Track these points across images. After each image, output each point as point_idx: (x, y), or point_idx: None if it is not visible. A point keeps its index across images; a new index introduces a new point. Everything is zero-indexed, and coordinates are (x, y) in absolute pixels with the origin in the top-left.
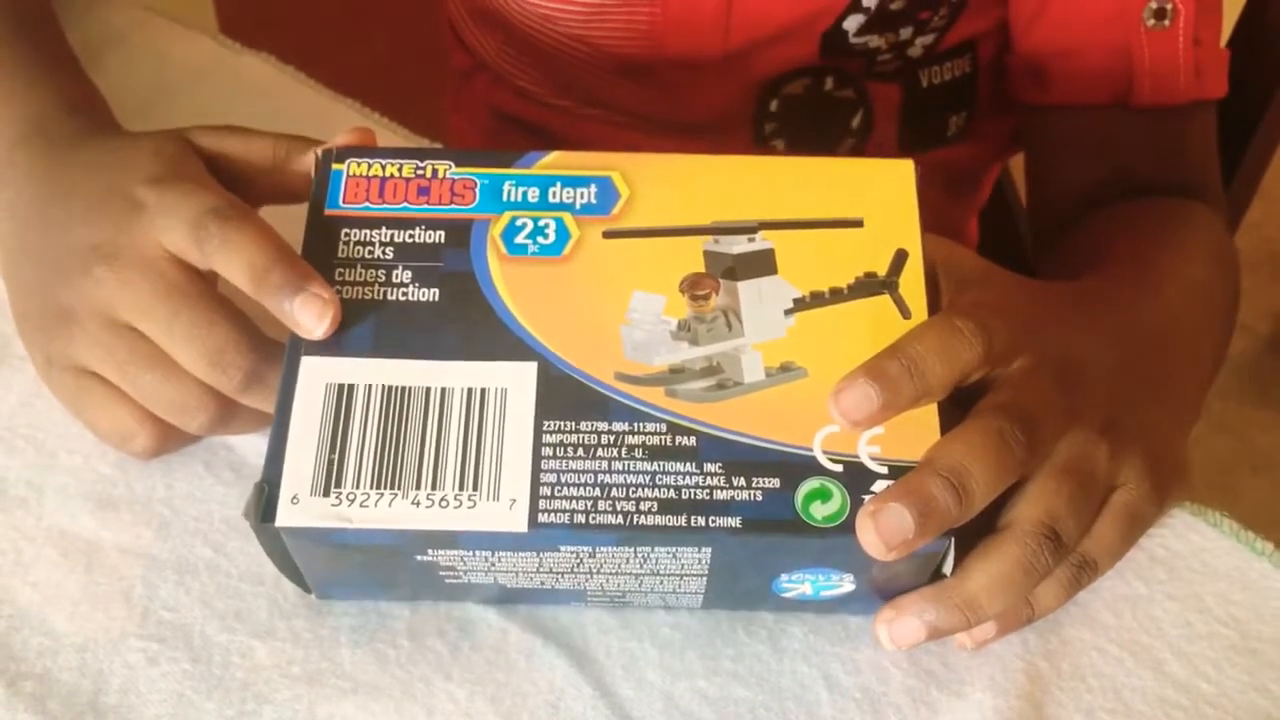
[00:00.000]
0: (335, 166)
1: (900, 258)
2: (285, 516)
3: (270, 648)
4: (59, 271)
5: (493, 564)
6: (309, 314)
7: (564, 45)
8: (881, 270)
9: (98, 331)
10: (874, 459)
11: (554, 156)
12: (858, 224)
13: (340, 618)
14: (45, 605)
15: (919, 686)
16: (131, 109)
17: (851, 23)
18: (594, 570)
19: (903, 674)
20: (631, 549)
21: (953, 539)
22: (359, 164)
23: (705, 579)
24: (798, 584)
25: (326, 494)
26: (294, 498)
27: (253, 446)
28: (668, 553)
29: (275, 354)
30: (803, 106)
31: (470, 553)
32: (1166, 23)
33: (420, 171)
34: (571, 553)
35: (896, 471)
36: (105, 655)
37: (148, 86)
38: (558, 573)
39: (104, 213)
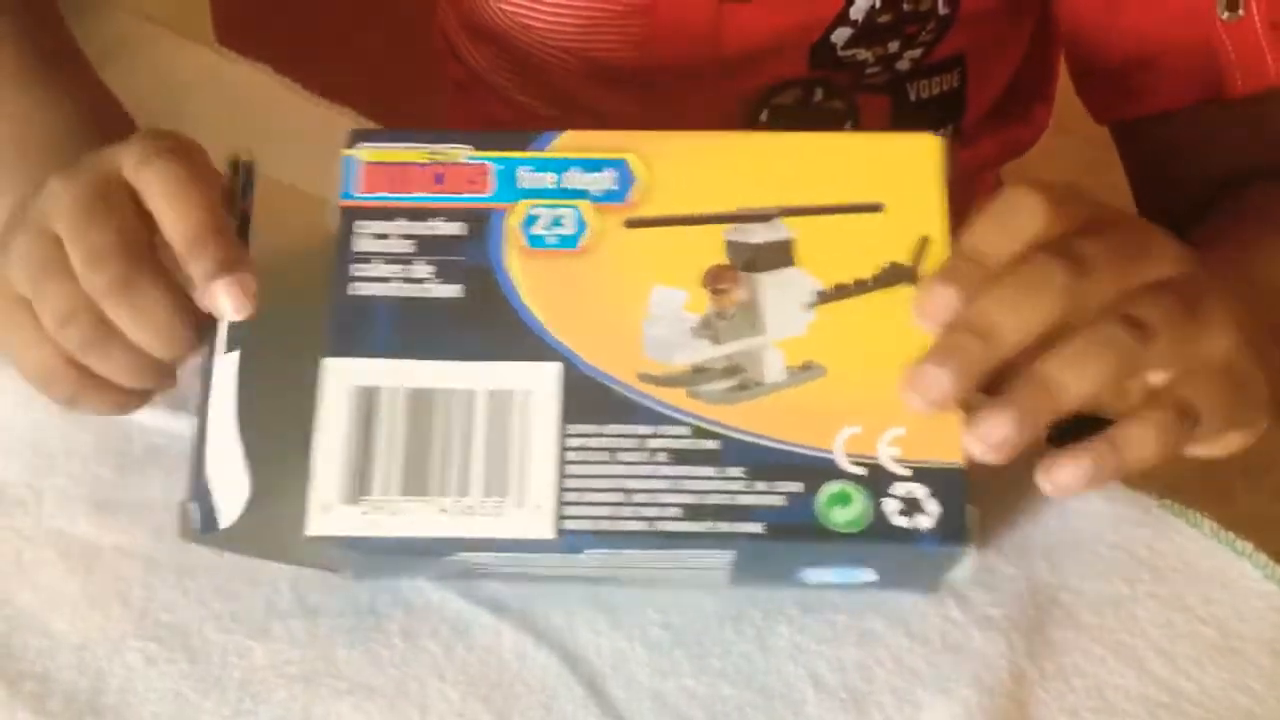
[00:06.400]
0: (345, 153)
1: (923, 245)
2: (317, 525)
3: (267, 648)
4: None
5: (521, 561)
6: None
7: (558, 58)
8: (905, 258)
9: (29, 241)
10: (895, 460)
11: (568, 136)
12: (877, 208)
13: (336, 618)
14: (44, 607)
15: (904, 686)
16: None
17: (840, 35)
18: (620, 566)
19: (887, 673)
20: (656, 551)
21: (971, 547)
22: (371, 149)
23: (729, 571)
24: (822, 574)
25: (355, 502)
26: (325, 505)
27: None
28: (691, 554)
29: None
30: (792, 117)
31: (498, 553)
32: (1240, 12)
33: (436, 157)
34: (597, 553)
35: (918, 473)
36: (104, 656)
37: (145, 96)
38: (586, 566)
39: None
